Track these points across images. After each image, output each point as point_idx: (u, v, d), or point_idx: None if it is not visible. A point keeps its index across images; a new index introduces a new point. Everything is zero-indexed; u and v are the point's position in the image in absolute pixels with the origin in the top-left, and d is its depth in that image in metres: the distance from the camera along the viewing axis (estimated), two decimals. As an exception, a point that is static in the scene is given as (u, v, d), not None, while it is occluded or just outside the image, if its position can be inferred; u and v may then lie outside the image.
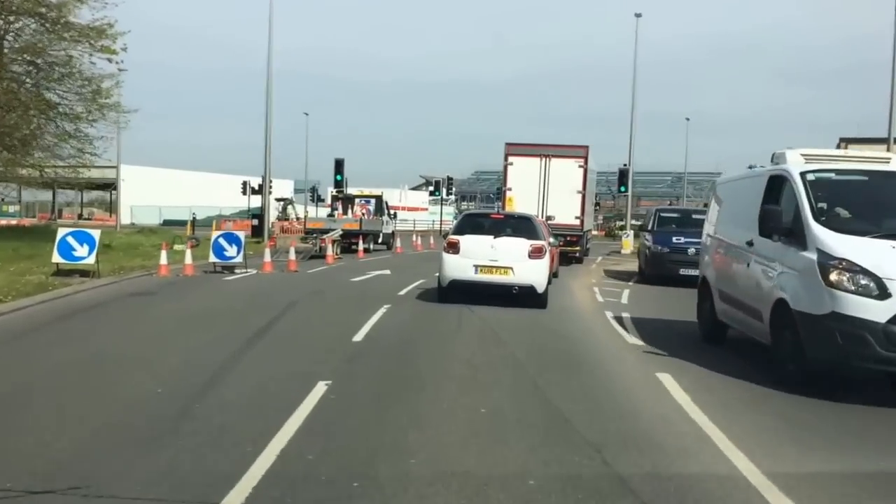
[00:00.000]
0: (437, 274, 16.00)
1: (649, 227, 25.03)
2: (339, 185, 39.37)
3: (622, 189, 38.81)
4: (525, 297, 15.06)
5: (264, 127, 34.51)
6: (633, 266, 30.56)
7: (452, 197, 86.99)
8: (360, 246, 30.59)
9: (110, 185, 76.91)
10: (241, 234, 20.90)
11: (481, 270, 14.92)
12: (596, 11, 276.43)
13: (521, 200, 27.03)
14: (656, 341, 11.73)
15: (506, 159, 28.59)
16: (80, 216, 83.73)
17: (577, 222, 28.13)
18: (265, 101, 34.41)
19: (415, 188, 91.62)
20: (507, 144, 28.85)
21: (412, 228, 68.47)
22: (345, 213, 34.47)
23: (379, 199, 36.94)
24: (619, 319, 14.30)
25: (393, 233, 37.52)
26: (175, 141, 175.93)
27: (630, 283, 22.50)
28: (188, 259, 20.12)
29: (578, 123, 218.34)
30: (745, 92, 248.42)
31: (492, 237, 15.18)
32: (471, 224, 16.22)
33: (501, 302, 15.08)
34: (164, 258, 19.69)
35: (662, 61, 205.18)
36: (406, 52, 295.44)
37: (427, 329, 12.53)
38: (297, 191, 72.41)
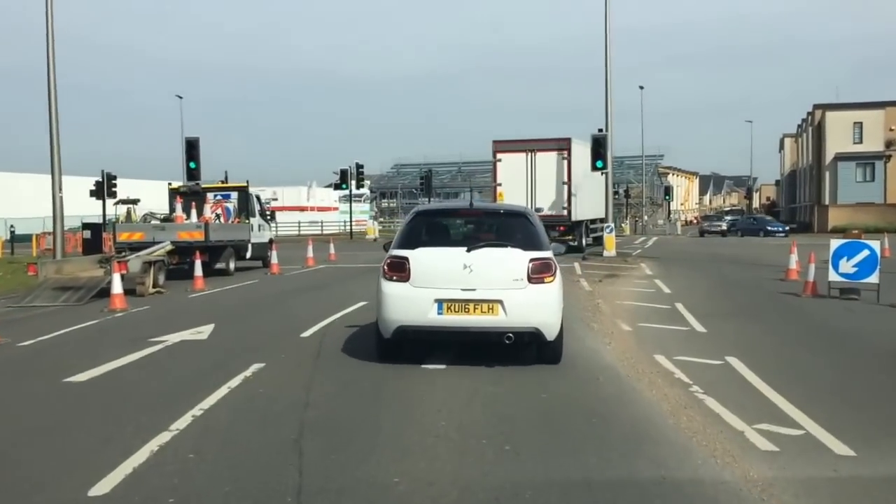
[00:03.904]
0: (375, 317, 8.67)
1: None
2: (192, 175, 27.04)
3: (599, 165, 27.62)
4: (522, 346, 8.33)
5: (48, 117, 22.26)
6: (642, 280, 19.25)
7: (366, 192, 74.94)
8: (197, 269, 18.33)
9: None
10: None
11: (449, 308, 8.13)
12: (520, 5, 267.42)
13: (510, 195, 27.64)
14: None
15: (494, 156, 29.77)
16: None
17: (565, 213, 28.63)
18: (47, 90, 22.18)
19: (328, 186, 78.99)
20: (495, 142, 29.99)
21: (320, 232, 56.34)
22: (188, 215, 22.15)
23: (244, 192, 24.65)
24: None
25: (270, 242, 25.37)
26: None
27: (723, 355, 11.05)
28: None
29: (510, 115, 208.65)
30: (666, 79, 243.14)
31: (464, 250, 8.35)
32: (427, 228, 9.22)
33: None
34: None
35: (587, 51, 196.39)
36: (316, 44, 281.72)
37: None
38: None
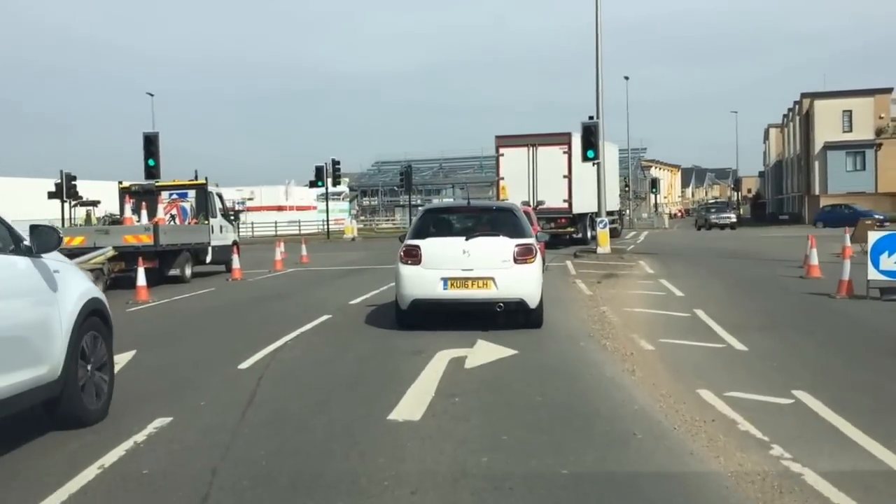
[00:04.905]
0: (395, 293, 10.66)
1: None
2: (152, 173, 24.90)
3: (590, 154, 25.44)
4: (512, 314, 10.19)
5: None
6: (645, 281, 17.07)
7: (345, 190, 72.31)
8: (140, 278, 15.89)
9: None
10: None
11: (452, 284, 10.13)
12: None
13: (513, 188, 28.53)
14: None
15: (497, 151, 30.67)
16: None
17: (566, 205, 29.16)
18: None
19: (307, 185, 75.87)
20: (497, 137, 30.74)
21: (298, 232, 53.88)
22: (139, 216, 19.75)
23: (202, 190, 22.23)
24: None
25: (234, 245, 22.98)
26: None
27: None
28: None
29: (486, 111, 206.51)
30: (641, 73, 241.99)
31: (463, 238, 10.44)
32: (434, 222, 11.20)
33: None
34: None
35: (572, 47, 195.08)
36: (298, 39, 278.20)
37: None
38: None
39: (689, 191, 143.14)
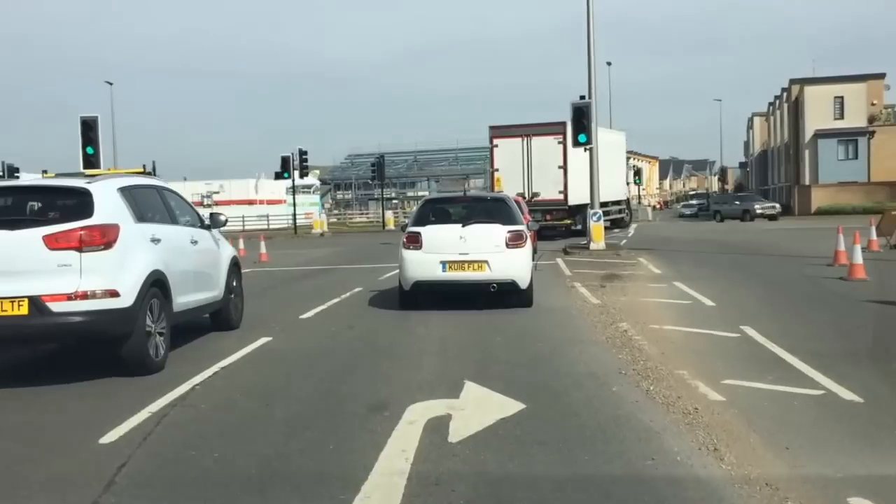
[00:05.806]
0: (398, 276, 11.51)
1: None
2: (90, 162, 22.23)
3: (582, 139, 22.66)
4: (505, 295, 11.18)
5: None
6: (657, 284, 14.28)
7: (315, 182, 69.26)
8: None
9: None
10: None
11: (450, 267, 11.19)
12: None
13: (507, 180, 28.15)
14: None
15: (491, 142, 30.03)
16: None
17: (561, 196, 28.52)
18: None
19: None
20: (491, 128, 30.21)
21: (266, 227, 50.79)
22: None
23: (141, 183, 19.13)
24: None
25: (180, 245, 19.83)
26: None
27: None
28: None
29: (460, 102, 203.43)
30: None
31: (460, 226, 11.52)
32: (433, 211, 12.36)
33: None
34: None
35: (557, 40, 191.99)
36: (274, 30, 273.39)
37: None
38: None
39: (666, 182, 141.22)
